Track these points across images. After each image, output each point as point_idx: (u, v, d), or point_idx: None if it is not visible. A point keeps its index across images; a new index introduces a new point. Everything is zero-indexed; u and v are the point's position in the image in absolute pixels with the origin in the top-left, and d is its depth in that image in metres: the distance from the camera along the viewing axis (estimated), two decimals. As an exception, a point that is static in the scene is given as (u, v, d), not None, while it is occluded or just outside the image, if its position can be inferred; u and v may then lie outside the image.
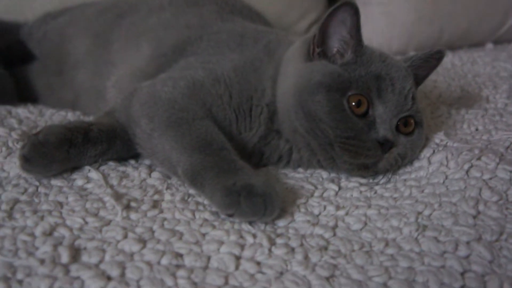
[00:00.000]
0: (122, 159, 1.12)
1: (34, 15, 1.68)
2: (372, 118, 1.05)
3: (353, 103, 1.04)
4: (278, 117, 1.12)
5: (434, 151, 1.13)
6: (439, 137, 1.17)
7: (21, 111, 1.39)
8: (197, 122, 1.04)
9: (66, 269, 0.76)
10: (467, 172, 1.04)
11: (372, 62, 1.08)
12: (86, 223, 0.89)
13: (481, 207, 0.94)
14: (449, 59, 1.99)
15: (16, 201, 0.94)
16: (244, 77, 1.14)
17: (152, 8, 1.43)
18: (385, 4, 2.19)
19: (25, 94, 1.52)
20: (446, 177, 1.04)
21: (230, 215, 0.91)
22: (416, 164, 1.12)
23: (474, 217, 0.92)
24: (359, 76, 1.06)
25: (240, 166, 0.97)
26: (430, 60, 1.20)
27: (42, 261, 0.77)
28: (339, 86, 1.05)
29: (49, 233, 0.85)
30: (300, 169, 1.16)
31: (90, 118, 1.27)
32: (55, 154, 1.01)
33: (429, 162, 1.10)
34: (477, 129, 1.30)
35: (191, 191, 1.00)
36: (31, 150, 1.00)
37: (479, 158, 1.06)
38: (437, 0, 2.20)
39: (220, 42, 1.25)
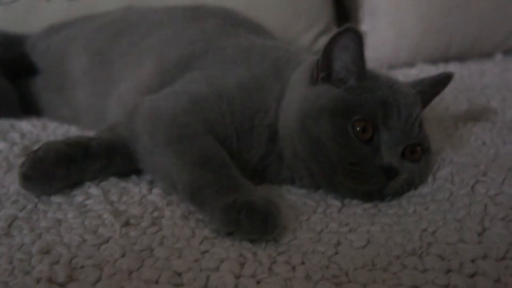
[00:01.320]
0: (123, 174, 1.11)
1: (39, 27, 1.68)
2: (377, 145, 1.03)
3: (358, 128, 1.02)
4: (279, 140, 1.11)
5: (439, 167, 1.11)
6: (444, 152, 1.15)
7: (24, 124, 1.38)
8: (198, 138, 1.03)
9: (62, 288, 0.75)
10: (472, 188, 1.02)
11: (378, 87, 1.06)
12: (85, 240, 0.87)
13: (486, 224, 0.92)
14: (457, 70, 1.96)
15: (15, 218, 0.93)
16: (248, 95, 1.13)
17: (151, 25, 1.42)
18: (393, 15, 2.16)
19: (29, 108, 1.52)
20: (451, 194, 1.02)
21: (231, 233, 0.90)
22: (421, 180, 1.10)
23: (480, 234, 0.89)
24: (365, 101, 1.04)
25: (241, 182, 0.95)
26: (439, 83, 1.19)
27: (38, 280, 0.76)
28: (344, 111, 1.03)
29: (46, 251, 0.84)
30: (304, 185, 1.14)
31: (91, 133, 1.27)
32: (55, 170, 1.00)
33: (434, 178, 1.08)
34: (484, 143, 1.28)
35: (192, 207, 0.99)
36: (31, 167, 0.99)
37: (484, 174, 1.04)
38: (445, 10, 2.17)
39: (225, 57, 1.23)
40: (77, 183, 1.05)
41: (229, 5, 1.61)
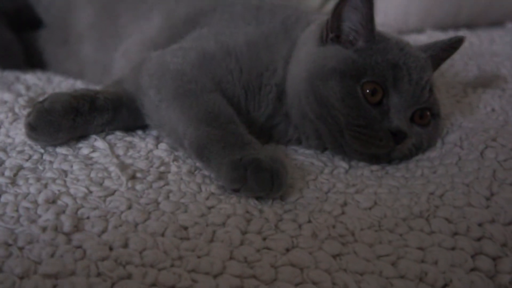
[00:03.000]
0: (129, 129, 1.10)
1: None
2: (386, 108, 1.02)
3: (368, 91, 1.01)
4: (287, 100, 1.10)
5: (448, 131, 1.10)
6: (453, 117, 1.14)
7: (29, 77, 1.37)
8: (205, 94, 1.02)
9: (68, 238, 0.75)
10: (481, 153, 1.01)
11: (388, 50, 1.05)
12: (90, 192, 0.87)
13: (495, 189, 0.91)
14: (467, 37, 1.93)
15: (20, 167, 0.93)
16: (256, 53, 1.11)
17: None
18: (403, -21, 2.14)
19: (34, 61, 1.50)
20: (460, 158, 1.02)
21: (237, 190, 0.89)
22: (429, 144, 1.09)
23: (488, 198, 0.89)
24: (375, 63, 1.02)
25: (248, 140, 0.95)
26: (450, 48, 1.18)
27: (44, 229, 0.76)
28: (354, 72, 1.02)
29: (52, 201, 0.83)
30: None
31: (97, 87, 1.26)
32: (61, 122, 0.99)
33: (443, 142, 1.08)
34: (493, 110, 1.26)
35: (198, 164, 0.98)
36: (37, 118, 0.98)
37: (494, 139, 1.03)
38: (456, -24, 2.15)
39: (234, 14, 1.21)
40: (82, 136, 1.04)
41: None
